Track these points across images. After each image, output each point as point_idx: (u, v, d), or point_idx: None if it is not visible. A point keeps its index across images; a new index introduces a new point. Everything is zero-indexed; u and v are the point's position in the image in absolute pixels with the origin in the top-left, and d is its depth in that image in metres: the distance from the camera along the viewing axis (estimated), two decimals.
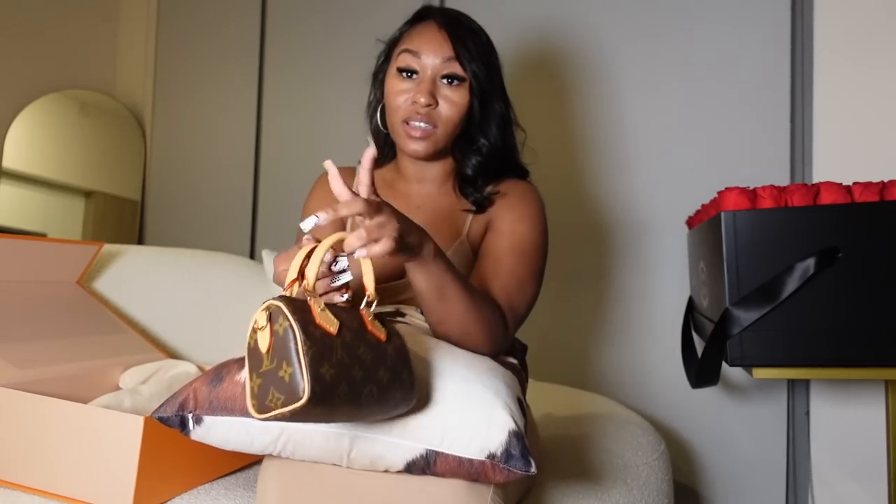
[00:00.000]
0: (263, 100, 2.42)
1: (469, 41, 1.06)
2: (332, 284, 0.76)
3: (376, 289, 0.76)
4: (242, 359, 0.83)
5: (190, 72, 2.60)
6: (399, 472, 0.80)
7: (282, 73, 2.39)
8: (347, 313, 0.72)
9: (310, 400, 0.62)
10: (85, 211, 2.48)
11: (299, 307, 0.66)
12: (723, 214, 1.17)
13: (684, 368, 1.53)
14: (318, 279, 0.73)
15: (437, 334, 0.92)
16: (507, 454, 0.76)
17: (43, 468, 0.93)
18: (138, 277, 1.54)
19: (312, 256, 0.70)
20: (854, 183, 1.16)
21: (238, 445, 0.81)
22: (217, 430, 0.80)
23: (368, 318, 0.73)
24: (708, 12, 1.73)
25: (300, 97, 2.35)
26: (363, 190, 0.79)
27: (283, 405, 0.63)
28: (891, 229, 1.12)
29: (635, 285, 1.79)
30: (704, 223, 1.36)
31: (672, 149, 1.76)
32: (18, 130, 2.35)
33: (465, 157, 1.10)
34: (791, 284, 1.12)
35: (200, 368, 1.30)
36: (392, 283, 1.04)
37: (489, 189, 1.11)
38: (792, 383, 1.62)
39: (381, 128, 1.12)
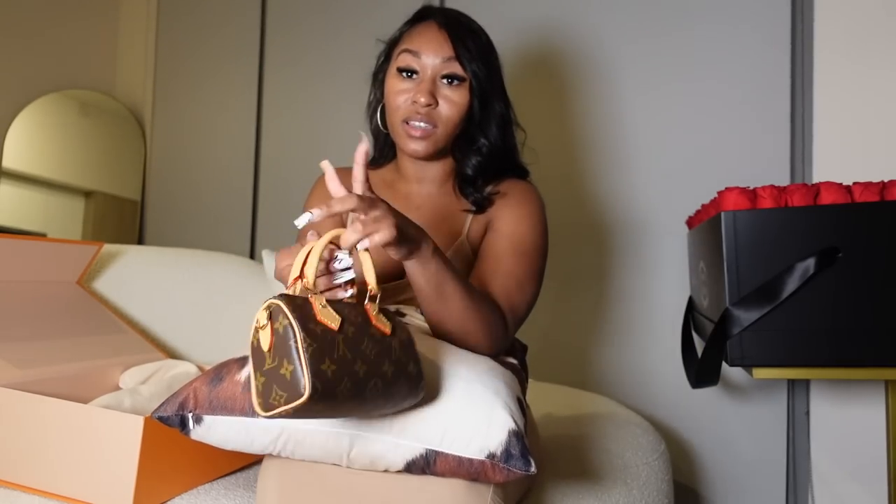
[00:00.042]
0: (263, 100, 2.42)
1: (469, 41, 1.06)
2: (335, 281, 0.76)
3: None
4: (242, 358, 0.84)
5: (190, 72, 2.60)
6: (399, 471, 0.80)
7: (282, 73, 2.39)
8: (351, 309, 0.72)
9: (311, 396, 0.63)
10: (85, 211, 2.48)
11: (299, 305, 0.66)
12: (723, 214, 1.17)
13: (684, 368, 1.53)
14: (318, 276, 0.73)
15: (437, 334, 0.92)
16: (506, 454, 0.76)
17: (43, 468, 0.93)
18: (138, 277, 1.54)
19: (310, 254, 0.70)
20: (854, 183, 1.16)
21: (238, 445, 0.81)
22: (217, 430, 0.80)
23: (373, 313, 0.74)
24: (708, 12, 1.73)
25: (300, 97, 2.35)
26: (357, 186, 0.79)
27: (286, 402, 0.64)
28: (891, 229, 1.12)
29: (635, 285, 1.79)
30: (704, 223, 1.36)
31: (672, 149, 1.76)
32: (18, 130, 2.35)
33: (465, 157, 1.10)
34: (791, 284, 1.12)
35: (200, 368, 1.30)
36: (392, 284, 1.04)
37: (489, 189, 1.11)
38: (792, 383, 1.62)
39: (382, 128, 1.12)
